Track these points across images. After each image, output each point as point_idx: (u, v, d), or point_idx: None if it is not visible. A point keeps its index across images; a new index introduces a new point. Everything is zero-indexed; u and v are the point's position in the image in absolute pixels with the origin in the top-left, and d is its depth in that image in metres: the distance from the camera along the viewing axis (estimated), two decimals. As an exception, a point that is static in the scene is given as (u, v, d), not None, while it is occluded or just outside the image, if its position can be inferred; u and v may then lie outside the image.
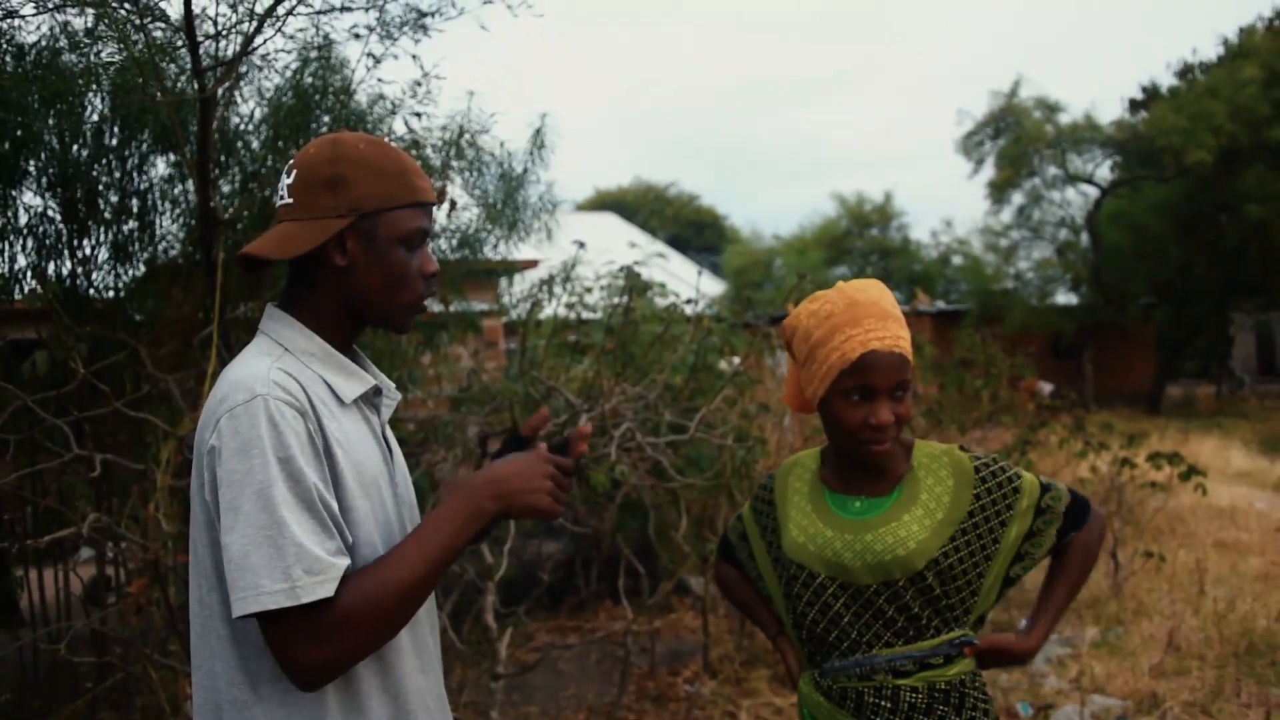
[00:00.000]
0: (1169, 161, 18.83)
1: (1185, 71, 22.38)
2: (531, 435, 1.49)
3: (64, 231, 3.88)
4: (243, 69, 3.56)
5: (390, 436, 1.52)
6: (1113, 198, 21.67)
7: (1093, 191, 22.34)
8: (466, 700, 4.11)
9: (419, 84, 3.87)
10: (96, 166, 3.83)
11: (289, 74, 3.82)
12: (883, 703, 1.68)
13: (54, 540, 3.05)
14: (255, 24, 3.02)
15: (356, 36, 3.45)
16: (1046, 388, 10.36)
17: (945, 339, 15.07)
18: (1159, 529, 7.40)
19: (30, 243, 3.85)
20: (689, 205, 44.43)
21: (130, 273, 4.10)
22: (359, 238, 1.39)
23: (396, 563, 1.31)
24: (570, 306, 5.54)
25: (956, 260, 26.74)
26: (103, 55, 3.34)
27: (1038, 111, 22.27)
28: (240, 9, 3.04)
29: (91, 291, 4.02)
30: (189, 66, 3.11)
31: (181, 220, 4.05)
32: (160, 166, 4.00)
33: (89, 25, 3.32)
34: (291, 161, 1.43)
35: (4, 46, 3.38)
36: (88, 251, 3.98)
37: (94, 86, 3.45)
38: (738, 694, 4.57)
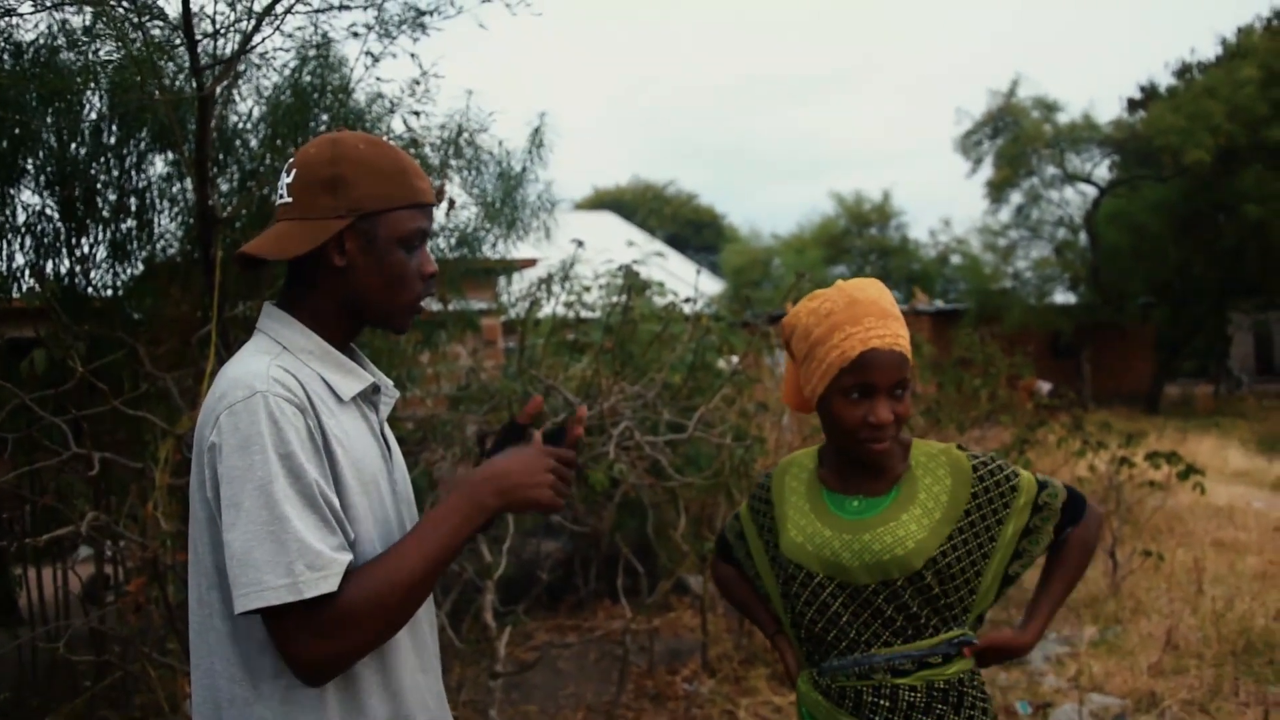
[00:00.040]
0: (1167, 161, 18.84)
1: (1183, 71, 22.42)
2: (528, 423, 1.50)
3: (62, 230, 3.88)
4: (241, 67, 3.56)
5: (389, 434, 1.52)
6: (1111, 197, 21.68)
7: (1091, 191, 22.36)
8: (465, 699, 4.11)
9: (417, 82, 3.87)
10: (95, 165, 3.82)
11: (287, 72, 3.81)
12: (881, 701, 1.68)
13: (52, 539, 3.05)
14: (253, 22, 3.02)
15: (355, 35, 3.45)
16: (1045, 387, 10.36)
17: (943, 338, 15.09)
18: (1157, 528, 7.41)
19: (28, 241, 3.85)
20: (687, 204, 44.45)
21: (129, 271, 4.10)
22: (358, 239, 1.39)
23: (399, 558, 1.31)
24: (569, 305, 5.54)
25: (955, 259, 26.77)
26: (101, 53, 3.34)
27: (1036, 111, 22.29)
28: (238, 7, 3.04)
29: (90, 290, 4.02)
30: (187, 65, 3.11)
31: (180, 219, 4.05)
32: (158, 165, 4.00)
33: (87, 23, 3.32)
34: (291, 160, 1.43)
35: (2, 45, 3.38)
36: (86, 250, 3.97)
37: (92, 85, 3.44)
38: (736, 693, 4.57)
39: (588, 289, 5.65)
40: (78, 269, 3.97)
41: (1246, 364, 27.72)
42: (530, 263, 7.97)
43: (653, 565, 5.50)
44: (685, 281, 6.05)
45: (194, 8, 2.90)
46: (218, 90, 3.16)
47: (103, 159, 3.84)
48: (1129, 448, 6.31)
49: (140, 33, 3.03)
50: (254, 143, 3.94)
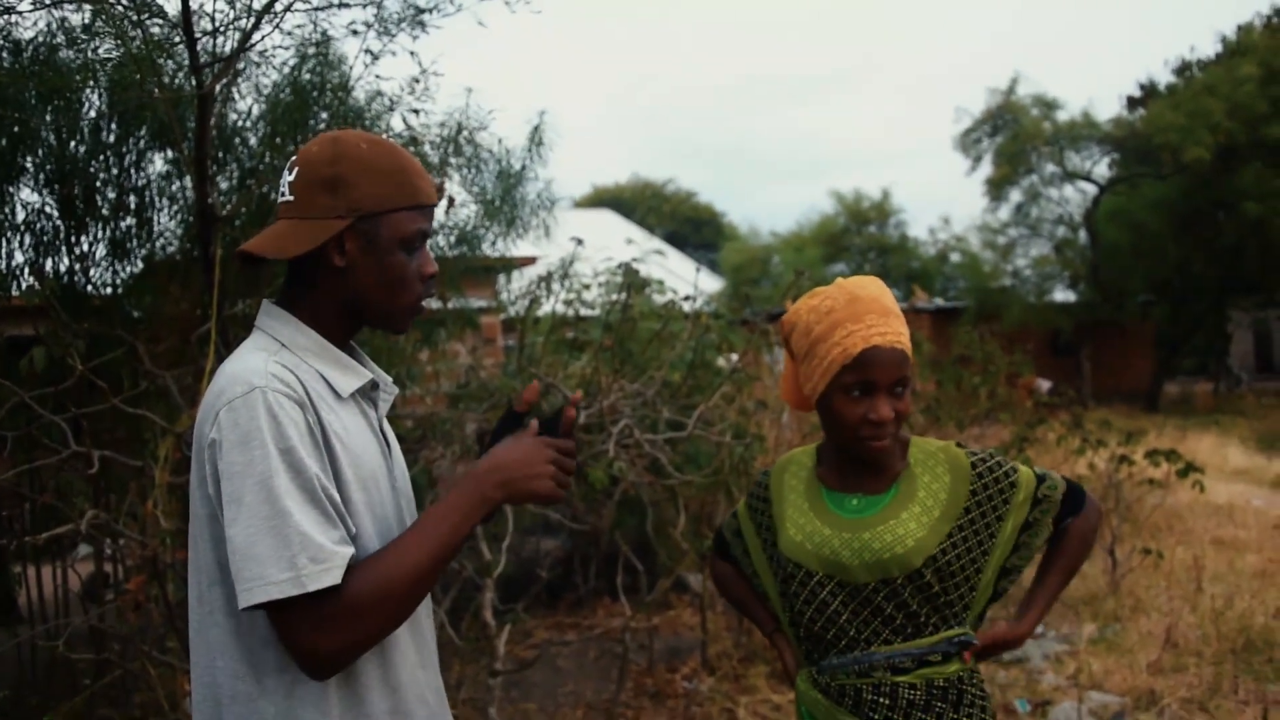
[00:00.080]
0: (1167, 159, 18.85)
1: (1183, 69, 22.41)
2: (525, 411, 1.50)
3: (61, 228, 3.87)
4: (240, 65, 3.56)
5: (388, 431, 1.52)
6: (1111, 195, 21.68)
7: (1091, 189, 22.37)
8: (465, 697, 4.11)
9: (417, 80, 3.86)
10: (94, 163, 3.82)
11: (287, 70, 3.81)
12: (881, 700, 1.68)
13: (52, 537, 3.05)
14: (253, 20, 3.01)
15: (354, 33, 3.44)
16: (1044, 385, 10.35)
17: (943, 336, 15.08)
18: (1157, 526, 7.41)
19: (28, 239, 3.84)
20: (687, 202, 44.43)
21: (128, 269, 4.10)
22: (358, 239, 1.39)
23: (403, 551, 1.31)
24: (568, 303, 5.54)
25: (954, 257, 26.76)
26: (100, 51, 3.33)
27: (1035, 109, 22.29)
28: (238, 5, 3.03)
29: (89, 288, 4.02)
30: (187, 63, 3.10)
31: (179, 217, 4.05)
32: (158, 163, 3.99)
33: (86, 21, 3.31)
34: (294, 158, 1.43)
35: (1, 42, 3.37)
36: (85, 248, 3.97)
37: (91, 83, 3.44)
38: (736, 690, 4.57)
39: (587, 287, 5.65)
40: (77, 267, 3.96)
41: (1246, 362, 27.73)
42: (530, 261, 7.95)
43: (652, 563, 5.50)
44: (684, 279, 6.04)
45: (193, 5, 2.90)
46: (217, 88, 3.16)
47: (102, 157, 3.84)
48: (1128, 446, 6.31)
49: (139, 30, 3.03)
50: (253, 141, 3.93)
